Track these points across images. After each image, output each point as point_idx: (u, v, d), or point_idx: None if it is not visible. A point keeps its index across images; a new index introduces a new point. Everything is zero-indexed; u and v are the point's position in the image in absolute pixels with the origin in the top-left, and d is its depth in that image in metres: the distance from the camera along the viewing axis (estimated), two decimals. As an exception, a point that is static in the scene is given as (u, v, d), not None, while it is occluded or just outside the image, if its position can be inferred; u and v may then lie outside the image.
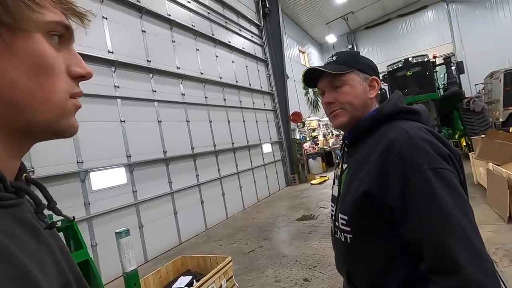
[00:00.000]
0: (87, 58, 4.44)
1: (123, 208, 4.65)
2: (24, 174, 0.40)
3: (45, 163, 3.78)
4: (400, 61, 9.08)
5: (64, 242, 0.45)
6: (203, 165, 6.52)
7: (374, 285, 0.81)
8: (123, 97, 4.96)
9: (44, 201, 0.42)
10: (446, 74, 9.45)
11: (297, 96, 13.06)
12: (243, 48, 8.99)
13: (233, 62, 8.39)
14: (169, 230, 5.42)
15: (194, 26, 6.91)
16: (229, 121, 7.75)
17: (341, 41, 17.85)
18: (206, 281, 2.64)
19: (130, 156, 4.89)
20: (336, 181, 0.98)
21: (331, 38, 16.71)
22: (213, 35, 7.61)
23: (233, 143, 7.71)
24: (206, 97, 7.03)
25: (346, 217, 0.84)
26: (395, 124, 0.82)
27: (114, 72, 4.89)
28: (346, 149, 0.98)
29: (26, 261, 0.30)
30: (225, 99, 7.73)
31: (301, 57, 15.50)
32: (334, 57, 0.94)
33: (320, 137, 14.97)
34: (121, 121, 4.87)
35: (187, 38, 6.75)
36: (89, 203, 4.20)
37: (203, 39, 7.26)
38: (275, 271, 3.63)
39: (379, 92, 0.95)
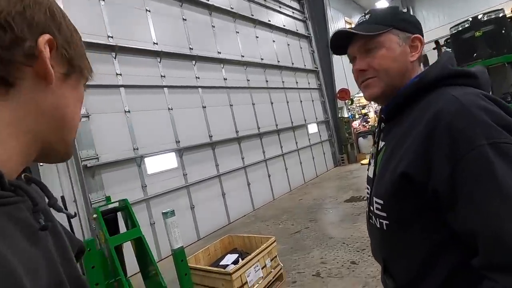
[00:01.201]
0: (135, 51, 4.74)
1: (176, 190, 5.01)
2: (24, 173, 0.42)
3: (107, 151, 4.22)
4: (467, 20, 7.81)
5: (66, 240, 0.46)
6: (248, 147, 6.63)
7: (413, 277, 0.71)
8: (170, 85, 5.21)
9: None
10: (529, 30, 7.89)
11: (345, 72, 12.26)
12: (284, 25, 8.66)
13: (274, 41, 8.17)
14: (218, 211, 5.70)
15: (232, 9, 6.84)
16: (272, 103, 7.67)
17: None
18: (251, 259, 2.73)
19: (179, 142, 5.19)
20: (372, 161, 0.88)
21: (382, 4, 15.12)
22: (252, 15, 7.45)
23: (277, 125, 7.65)
24: (248, 80, 7.02)
25: (381, 201, 0.75)
26: (444, 90, 0.68)
27: (160, 62, 5.14)
28: (383, 125, 0.87)
29: (13, 261, 0.30)
30: (267, 81, 7.62)
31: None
32: (367, 16, 0.80)
33: (371, 114, 14.00)
34: (168, 109, 5.15)
35: (226, 22, 6.73)
36: (146, 186, 4.61)
37: (242, 21, 7.17)
38: (321, 252, 3.59)
39: (422, 53, 0.81)
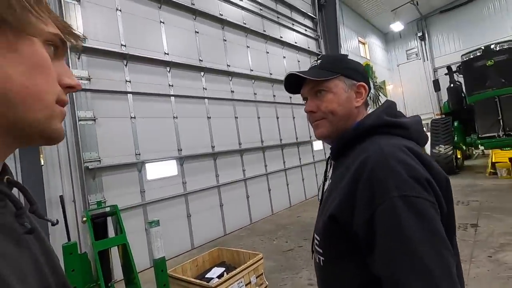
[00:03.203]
0: (146, 60, 4.92)
1: (174, 198, 5.07)
2: (6, 177, 0.40)
3: (109, 154, 4.34)
4: (479, 48, 7.79)
5: (50, 245, 0.44)
6: (250, 160, 6.67)
7: None
8: (177, 95, 5.35)
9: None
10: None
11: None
12: (296, 42, 8.82)
13: (284, 57, 8.31)
14: (214, 221, 5.71)
15: (245, 24, 7.04)
16: (278, 117, 7.74)
17: (409, 29, 16.12)
18: (235, 275, 2.73)
19: (181, 150, 5.29)
20: (319, 196, 0.92)
21: (397, 26, 15.24)
22: (265, 31, 7.63)
23: (281, 140, 7.69)
24: (255, 94, 7.13)
25: (318, 238, 0.79)
26: (375, 139, 0.73)
27: (169, 72, 5.31)
28: (333, 162, 0.91)
29: (2, 268, 0.29)
30: (274, 95, 7.72)
31: (361, 48, 14.49)
32: (319, 61, 0.87)
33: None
34: (174, 117, 5.28)
35: (238, 36, 6.91)
36: (144, 191, 4.69)
37: (254, 36, 7.34)
38: (310, 273, 3.55)
39: (368, 98, 0.86)
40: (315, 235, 0.81)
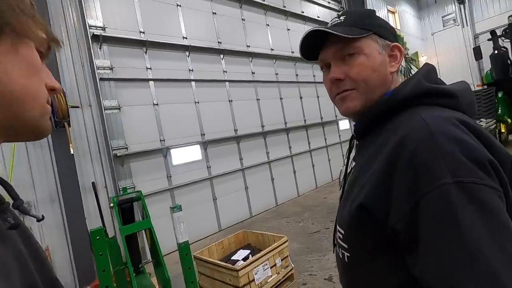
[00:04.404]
0: (165, 46, 4.89)
1: (199, 182, 5.16)
2: None
3: (135, 141, 4.47)
4: (531, 7, 6.85)
5: (38, 243, 0.44)
6: (273, 142, 6.58)
7: None
8: (197, 79, 5.32)
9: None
10: None
11: (384, 65, 11.55)
12: (318, 17, 8.33)
13: (306, 33, 7.90)
14: (240, 204, 5.78)
15: (264, 1, 6.73)
16: (301, 97, 7.49)
17: (446, -8, 14.57)
18: (260, 257, 2.73)
19: (204, 135, 5.32)
20: (342, 182, 0.81)
21: (432, -10, 13.84)
22: (285, 7, 7.27)
23: (305, 120, 7.48)
24: (277, 74, 6.92)
25: (343, 232, 0.67)
26: (416, 111, 0.59)
27: (189, 56, 5.26)
28: (356, 142, 0.79)
29: None
30: (297, 75, 7.44)
31: (391, 18, 13.41)
32: (342, 17, 0.70)
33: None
34: (195, 102, 5.28)
35: (256, 15, 6.65)
36: (171, 176, 4.81)
37: (273, 13, 7.03)
38: (337, 255, 3.48)
39: (402, 64, 0.72)
40: (338, 227, 0.70)
